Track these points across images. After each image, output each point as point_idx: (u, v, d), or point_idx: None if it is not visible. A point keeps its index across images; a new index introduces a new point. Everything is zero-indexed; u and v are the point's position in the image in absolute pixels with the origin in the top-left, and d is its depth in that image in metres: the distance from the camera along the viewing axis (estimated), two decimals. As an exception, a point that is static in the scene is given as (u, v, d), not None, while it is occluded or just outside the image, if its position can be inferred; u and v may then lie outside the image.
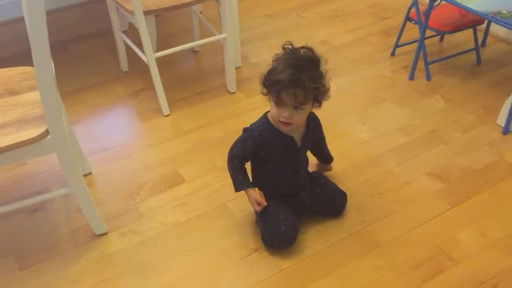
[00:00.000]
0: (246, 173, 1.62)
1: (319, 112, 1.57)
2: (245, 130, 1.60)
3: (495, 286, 1.51)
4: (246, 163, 1.63)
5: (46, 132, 1.42)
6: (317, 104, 1.51)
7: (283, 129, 1.53)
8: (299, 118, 1.49)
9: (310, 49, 1.48)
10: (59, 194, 1.62)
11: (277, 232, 1.59)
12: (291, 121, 1.47)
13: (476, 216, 1.72)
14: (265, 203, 1.59)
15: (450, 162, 1.94)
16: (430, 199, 1.79)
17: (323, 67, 1.48)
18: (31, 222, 1.77)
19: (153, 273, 1.58)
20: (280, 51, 1.50)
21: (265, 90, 1.50)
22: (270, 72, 1.46)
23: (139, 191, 1.87)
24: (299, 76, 1.40)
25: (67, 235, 1.71)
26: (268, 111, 1.58)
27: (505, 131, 2.06)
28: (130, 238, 1.69)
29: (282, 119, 1.47)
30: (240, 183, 1.60)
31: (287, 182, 1.64)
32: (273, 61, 1.49)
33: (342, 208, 1.73)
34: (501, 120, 2.09)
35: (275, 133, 1.55)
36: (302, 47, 1.48)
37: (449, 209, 1.75)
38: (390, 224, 1.70)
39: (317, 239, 1.66)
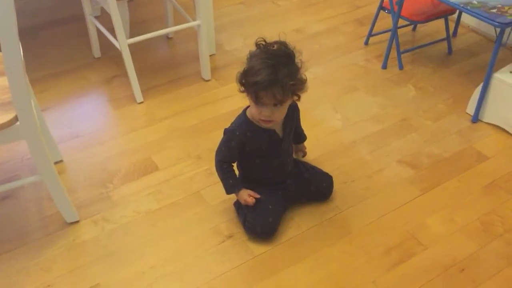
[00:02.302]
0: (236, 176, 1.64)
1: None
2: (225, 131, 1.59)
3: (462, 270, 1.55)
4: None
5: (15, 119, 1.39)
6: (296, 98, 1.52)
7: (265, 125, 1.54)
8: (280, 115, 1.50)
9: (283, 44, 1.46)
10: (29, 182, 1.59)
11: (264, 221, 1.60)
12: (272, 118, 1.48)
13: (445, 202, 1.76)
14: (258, 196, 1.61)
15: (420, 149, 1.98)
16: (401, 186, 1.82)
17: (298, 59, 1.47)
18: (1, 210, 1.74)
19: (126, 261, 1.57)
20: (254, 39, 1.49)
21: (242, 88, 1.48)
22: (246, 72, 1.45)
23: (112, 179, 1.85)
24: (276, 76, 1.39)
25: (38, 223, 1.69)
26: (247, 108, 1.58)
27: (474, 120, 2.11)
28: (102, 226, 1.68)
29: (263, 118, 1.48)
30: (231, 186, 1.63)
31: (275, 172, 1.66)
32: (248, 59, 1.47)
33: (330, 191, 1.75)
34: (471, 109, 2.13)
35: (256, 129, 1.56)
36: (275, 42, 1.46)
37: (419, 196, 1.79)
38: (361, 211, 1.73)
39: (290, 225, 1.68)
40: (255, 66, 1.42)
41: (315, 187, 1.72)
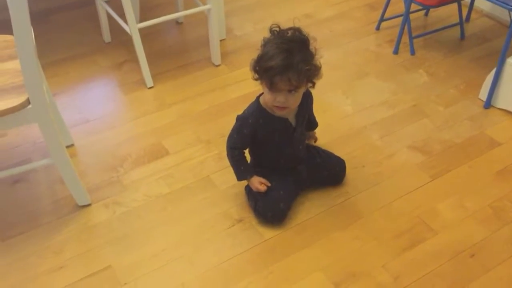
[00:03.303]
0: (247, 162, 1.63)
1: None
2: (238, 118, 1.58)
3: (472, 255, 1.54)
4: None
5: (27, 101, 1.40)
6: (310, 85, 1.50)
7: (278, 113, 1.52)
8: (294, 101, 1.48)
9: (298, 30, 1.45)
10: (41, 165, 1.61)
11: (275, 207, 1.61)
12: (286, 105, 1.47)
13: (455, 188, 1.75)
14: (269, 184, 1.61)
15: (432, 135, 1.97)
16: (411, 172, 1.82)
17: (312, 45, 1.46)
18: (13, 193, 1.76)
19: (137, 243, 1.59)
20: (265, 24, 1.49)
21: (256, 76, 1.47)
22: (261, 58, 1.43)
23: (122, 163, 1.86)
24: (291, 60, 1.38)
25: (50, 206, 1.70)
26: (260, 95, 1.57)
27: (487, 105, 2.09)
28: (113, 209, 1.69)
29: (277, 104, 1.46)
30: (242, 173, 1.63)
31: (286, 159, 1.66)
32: (262, 45, 1.45)
33: (343, 175, 1.76)
34: (483, 94, 2.11)
35: (269, 117, 1.55)
36: (289, 28, 1.45)
37: (429, 181, 1.78)
38: (372, 196, 1.73)
39: (300, 210, 1.68)
40: (270, 52, 1.40)
41: (328, 172, 1.72)
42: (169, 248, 1.57)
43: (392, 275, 1.49)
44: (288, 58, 1.38)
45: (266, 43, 1.45)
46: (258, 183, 1.61)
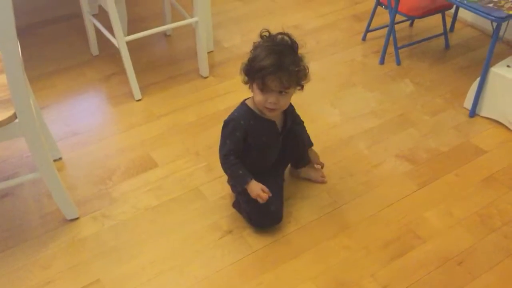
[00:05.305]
0: (244, 167, 1.59)
1: (295, 96, 1.57)
2: (227, 122, 1.58)
3: (460, 263, 1.56)
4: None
5: (14, 116, 1.40)
6: (299, 88, 1.54)
7: (269, 114, 1.56)
8: (285, 102, 1.53)
9: (287, 35, 1.51)
10: (28, 179, 1.60)
11: (267, 212, 1.61)
12: (277, 106, 1.51)
13: (442, 196, 1.77)
14: (270, 193, 1.57)
15: (418, 144, 1.99)
16: (398, 181, 1.83)
17: (300, 52, 1.52)
18: (1, 207, 1.74)
19: (126, 256, 1.58)
20: (252, 35, 1.52)
21: (246, 79, 1.52)
22: (253, 60, 1.48)
23: (111, 176, 1.86)
24: (282, 61, 1.44)
25: (38, 221, 1.69)
26: (245, 100, 1.60)
27: (472, 114, 2.12)
28: (102, 222, 1.69)
29: (268, 105, 1.50)
30: (242, 178, 1.58)
31: (270, 163, 1.70)
32: (253, 49, 1.51)
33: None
34: (468, 103, 2.14)
35: (259, 118, 1.57)
36: (279, 33, 1.51)
37: (417, 190, 1.79)
38: (360, 205, 1.74)
39: (288, 220, 1.68)
40: (261, 54, 1.46)
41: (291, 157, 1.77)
42: (158, 260, 1.57)
43: (380, 283, 1.50)
44: (280, 59, 1.44)
45: (256, 47, 1.50)
46: (260, 189, 1.56)
